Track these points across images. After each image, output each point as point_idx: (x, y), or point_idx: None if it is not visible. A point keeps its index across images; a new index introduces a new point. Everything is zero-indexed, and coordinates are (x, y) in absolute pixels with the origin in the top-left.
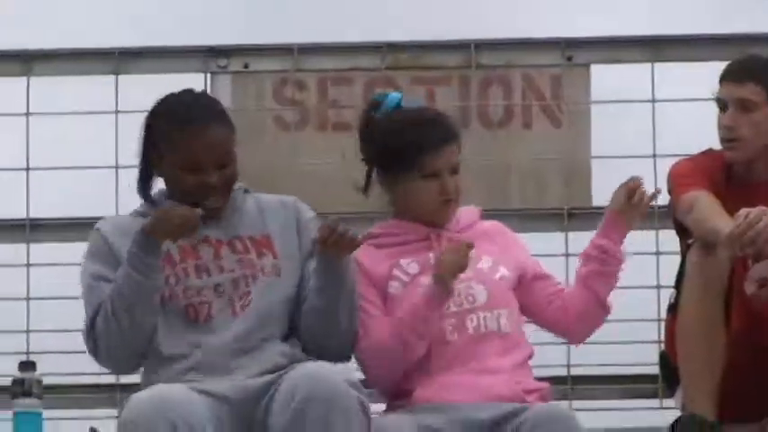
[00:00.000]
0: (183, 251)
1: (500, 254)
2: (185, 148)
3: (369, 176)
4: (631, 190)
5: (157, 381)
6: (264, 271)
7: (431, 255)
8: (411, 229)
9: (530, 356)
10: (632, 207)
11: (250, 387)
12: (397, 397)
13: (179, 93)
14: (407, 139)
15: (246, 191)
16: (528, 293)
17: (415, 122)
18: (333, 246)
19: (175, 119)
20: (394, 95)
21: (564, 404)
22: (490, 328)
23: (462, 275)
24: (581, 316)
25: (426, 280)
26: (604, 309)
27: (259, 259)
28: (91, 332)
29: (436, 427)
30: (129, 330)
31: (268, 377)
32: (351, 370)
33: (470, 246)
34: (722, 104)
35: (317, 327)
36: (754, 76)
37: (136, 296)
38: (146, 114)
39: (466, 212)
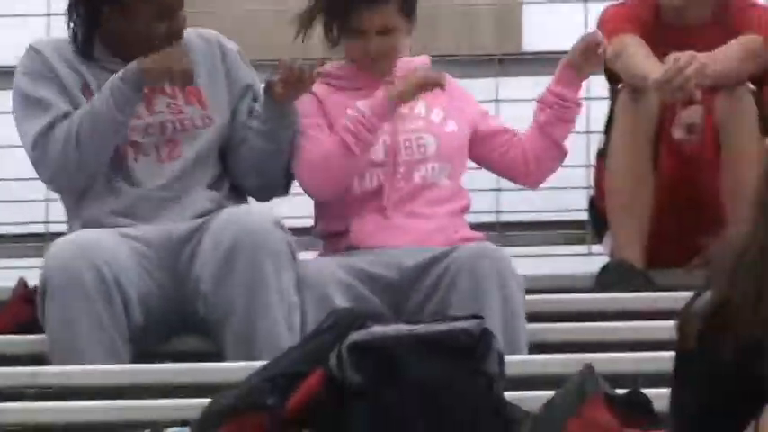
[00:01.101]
0: None
1: (450, 107)
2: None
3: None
4: (591, 45)
5: (81, 221)
6: (194, 122)
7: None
8: (363, 77)
9: (466, 208)
10: (588, 61)
11: (174, 232)
12: (331, 239)
13: None
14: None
15: None
16: (482, 146)
17: None
18: (293, 85)
19: None
20: None
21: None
22: (435, 179)
23: (413, 126)
24: (539, 161)
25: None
26: (562, 152)
27: (187, 106)
28: (42, 139)
29: (371, 271)
30: (88, 157)
31: (193, 222)
32: (274, 211)
33: (439, 83)
34: None
35: (258, 167)
36: None
37: (106, 128)
38: None
39: (419, 62)
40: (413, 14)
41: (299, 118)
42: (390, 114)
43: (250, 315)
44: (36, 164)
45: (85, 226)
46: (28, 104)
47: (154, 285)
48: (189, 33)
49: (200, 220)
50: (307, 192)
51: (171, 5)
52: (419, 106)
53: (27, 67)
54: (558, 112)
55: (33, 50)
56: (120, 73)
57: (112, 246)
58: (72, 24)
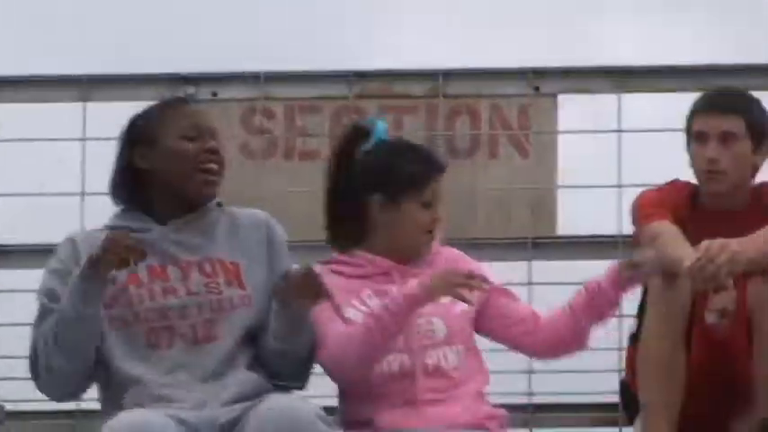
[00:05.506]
0: (152, 271)
1: None
2: (182, 118)
3: (353, 204)
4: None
5: (120, 405)
6: (233, 303)
7: (393, 288)
8: (376, 262)
9: (486, 385)
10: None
11: (218, 419)
12: (356, 426)
13: None
14: (416, 166)
15: (220, 205)
16: (492, 314)
17: (418, 151)
18: (304, 293)
19: (163, 108)
20: (382, 125)
21: None
22: (450, 363)
23: (423, 309)
24: (554, 337)
25: None
26: (580, 338)
27: (227, 287)
28: (33, 354)
29: None
30: (67, 355)
31: (237, 408)
32: (316, 404)
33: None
34: (701, 136)
35: (276, 362)
36: (736, 108)
37: (75, 323)
38: (123, 126)
39: (449, 254)
40: None
41: (310, 324)
42: (420, 306)
43: None
44: (33, 375)
45: (126, 406)
46: (39, 304)
47: None
48: (243, 216)
49: (244, 405)
50: (329, 375)
51: (198, 124)
52: None
53: (56, 257)
54: (589, 300)
55: (66, 239)
56: (77, 269)
57: (162, 428)
58: None
